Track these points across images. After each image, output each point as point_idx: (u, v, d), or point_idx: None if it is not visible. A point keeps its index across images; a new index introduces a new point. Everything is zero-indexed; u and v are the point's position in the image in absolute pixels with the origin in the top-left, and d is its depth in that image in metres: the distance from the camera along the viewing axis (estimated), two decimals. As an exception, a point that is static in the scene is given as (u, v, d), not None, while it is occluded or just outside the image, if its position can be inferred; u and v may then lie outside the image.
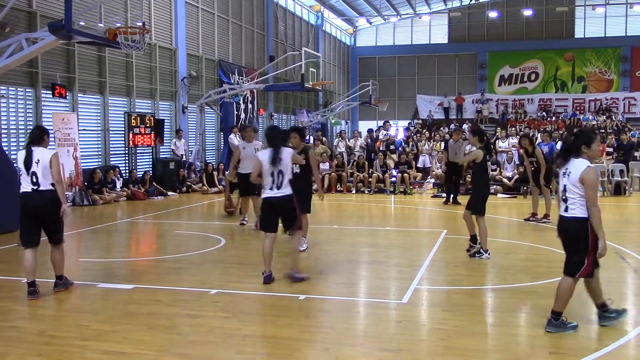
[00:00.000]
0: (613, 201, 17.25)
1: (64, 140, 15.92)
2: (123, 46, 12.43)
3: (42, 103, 16.24)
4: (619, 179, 18.52)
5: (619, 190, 18.43)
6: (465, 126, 24.05)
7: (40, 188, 6.99)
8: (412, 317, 6.36)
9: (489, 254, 8.92)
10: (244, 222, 12.36)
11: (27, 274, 7.04)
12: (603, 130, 29.68)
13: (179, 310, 6.55)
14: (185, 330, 5.99)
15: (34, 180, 6.99)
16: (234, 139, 21.46)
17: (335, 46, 41.63)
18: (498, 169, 19.57)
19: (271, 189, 7.48)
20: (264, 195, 7.58)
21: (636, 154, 20.34)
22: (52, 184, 7.04)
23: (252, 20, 28.65)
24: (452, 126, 32.28)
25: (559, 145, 19.11)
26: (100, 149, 18.67)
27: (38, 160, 7.01)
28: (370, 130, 24.73)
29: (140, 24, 14.65)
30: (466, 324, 6.05)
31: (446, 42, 43.11)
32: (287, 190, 7.48)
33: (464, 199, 15.22)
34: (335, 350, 5.29)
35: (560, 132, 24.34)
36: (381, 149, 21.96)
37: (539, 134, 25.08)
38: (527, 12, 38.68)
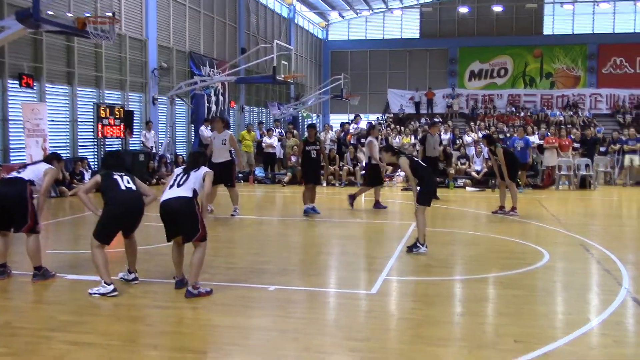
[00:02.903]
0: (578, 195, 17.58)
1: (33, 131, 15.65)
2: (92, 36, 12.27)
3: (9, 93, 15.95)
4: (585, 173, 18.88)
5: (584, 184, 18.80)
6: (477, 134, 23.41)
7: (16, 176, 7.22)
8: (381, 308, 6.43)
9: (426, 248, 8.90)
10: (209, 209, 12.35)
11: None
12: (570, 126, 30.21)
13: (148, 301, 6.52)
14: (155, 321, 5.98)
15: (18, 170, 7.30)
16: (205, 131, 21.39)
17: (307, 39, 41.57)
18: (467, 162, 19.80)
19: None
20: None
21: (601, 149, 20.75)
22: (31, 182, 7.18)
23: (224, 12, 28.45)
24: (423, 120, 32.58)
25: (533, 139, 19.46)
26: (68, 140, 18.39)
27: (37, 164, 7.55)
28: (342, 124, 24.80)
29: (110, 13, 14.48)
30: (434, 313, 6.14)
31: (418, 37, 43.34)
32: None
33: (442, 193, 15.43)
34: (305, 340, 5.33)
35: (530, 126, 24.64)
36: (352, 142, 22.03)
37: (508, 129, 25.47)
38: (497, 8, 39.10)
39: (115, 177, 6.82)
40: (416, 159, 9.27)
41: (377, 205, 13.86)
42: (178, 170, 7.04)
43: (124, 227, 6.83)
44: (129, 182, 6.85)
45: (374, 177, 14.01)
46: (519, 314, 6.11)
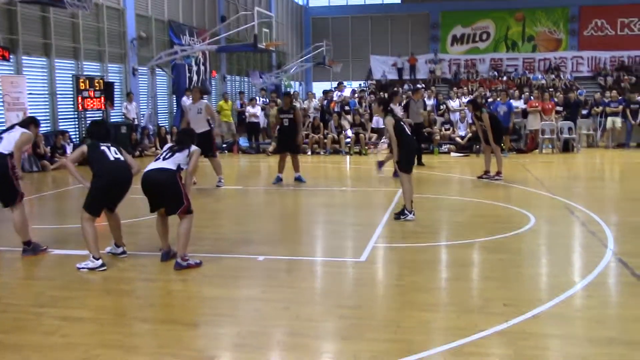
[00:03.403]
0: (562, 158, 17.72)
1: (12, 104, 15.36)
2: (68, 5, 12.00)
3: (-16, 66, 15.62)
4: (567, 136, 19.00)
5: (567, 147, 18.93)
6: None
7: None
8: (370, 275, 6.47)
9: (413, 215, 8.92)
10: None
11: None
12: (552, 89, 30.27)
13: (136, 274, 6.50)
14: (145, 294, 5.97)
15: None
16: (187, 101, 21.12)
17: (288, 6, 41.02)
18: (451, 128, 19.82)
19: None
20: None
21: (583, 111, 20.85)
22: (11, 154, 6.99)
23: (202, -21, 27.94)
24: (406, 86, 32.46)
25: (517, 103, 19.49)
26: (48, 114, 18.11)
27: (11, 130, 7.24)
28: (325, 91, 24.63)
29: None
30: (422, 279, 6.19)
31: (399, 2, 42.95)
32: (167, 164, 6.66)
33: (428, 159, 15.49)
34: (296, 309, 5.35)
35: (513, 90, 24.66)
36: (335, 110, 21.93)
37: (491, 94, 25.45)
38: (479, -29, 38.84)
39: (103, 147, 6.73)
40: (403, 123, 9.15)
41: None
42: (165, 147, 6.99)
43: (112, 199, 6.76)
44: (116, 153, 6.77)
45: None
46: (507, 278, 6.18)
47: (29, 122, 7.56)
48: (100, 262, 6.47)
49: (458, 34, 41.99)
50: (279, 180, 12.71)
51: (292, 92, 22.18)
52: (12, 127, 7.42)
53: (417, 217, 8.92)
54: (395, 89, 26.06)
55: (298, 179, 12.67)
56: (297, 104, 22.55)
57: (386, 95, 19.22)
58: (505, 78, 35.80)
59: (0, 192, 7.08)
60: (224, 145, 20.67)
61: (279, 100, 23.54)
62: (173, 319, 5.22)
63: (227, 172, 13.48)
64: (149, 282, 6.28)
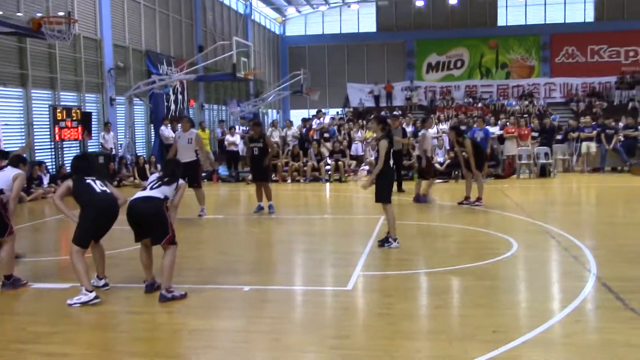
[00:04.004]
0: (539, 183, 17.93)
1: (-15, 135, 15.17)
2: (48, 37, 11.96)
3: (-40, 97, 15.43)
4: (544, 161, 19.26)
5: (544, 172, 19.17)
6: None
7: None
8: (356, 304, 6.44)
9: (398, 243, 8.90)
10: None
11: None
12: (527, 115, 30.77)
13: (120, 307, 6.38)
14: (130, 328, 5.85)
15: None
16: (165, 130, 21.11)
17: (265, 35, 41.34)
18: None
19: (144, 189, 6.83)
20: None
21: (558, 137, 21.20)
22: (0, 190, 7.11)
23: (180, 10, 28.05)
24: (383, 113, 32.71)
25: (494, 129, 19.74)
26: (24, 145, 17.85)
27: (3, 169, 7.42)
28: (304, 119, 24.75)
29: (62, 13, 14.10)
30: (411, 307, 6.17)
31: (374, 30, 43.54)
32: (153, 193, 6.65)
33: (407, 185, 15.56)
34: (285, 340, 5.29)
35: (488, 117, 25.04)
36: (315, 137, 22.01)
37: (467, 120, 25.76)
38: (453, 1, 39.52)
39: (88, 180, 6.67)
40: (391, 152, 9.06)
41: (418, 198, 13.77)
42: (153, 177, 6.95)
43: (101, 230, 6.68)
44: (102, 185, 6.71)
45: (427, 170, 14.05)
46: (494, 305, 6.19)
47: (18, 162, 7.65)
48: (93, 294, 6.33)
49: (433, 62, 42.61)
50: (260, 209, 12.65)
51: (272, 121, 22.26)
52: (2, 168, 7.54)
53: (401, 244, 8.92)
54: (372, 115, 26.22)
55: (269, 209, 12.58)
56: (277, 132, 22.67)
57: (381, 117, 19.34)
58: (480, 104, 36.35)
59: None
60: (204, 174, 20.56)
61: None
62: (159, 352, 5.13)
63: (208, 201, 13.36)
64: (133, 315, 6.17)
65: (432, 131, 21.48)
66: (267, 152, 12.66)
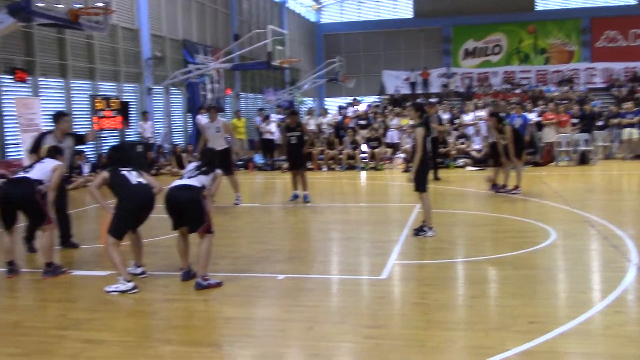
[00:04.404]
0: (578, 170, 17.56)
1: (27, 125, 15.51)
2: (86, 27, 12.14)
3: (2, 88, 15.79)
4: (584, 148, 18.85)
5: (584, 159, 18.76)
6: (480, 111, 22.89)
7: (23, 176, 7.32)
8: (391, 293, 6.42)
9: (433, 231, 8.84)
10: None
11: (6, 253, 7.30)
12: (567, 101, 30.12)
13: (158, 295, 6.49)
14: (166, 316, 5.94)
15: (25, 169, 7.45)
16: (202, 119, 21.26)
17: (300, 23, 41.26)
18: (466, 142, 19.74)
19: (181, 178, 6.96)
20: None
21: (599, 123, 20.71)
22: (39, 181, 7.23)
23: (216, -1, 28.19)
24: (419, 100, 32.41)
25: (531, 116, 19.38)
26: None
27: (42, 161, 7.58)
28: (340, 107, 24.69)
29: (101, 4, 14.29)
30: (446, 297, 6.12)
31: (411, 17, 43.06)
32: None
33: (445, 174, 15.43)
34: (320, 328, 5.31)
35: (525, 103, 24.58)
36: (350, 125, 21.94)
37: (505, 106, 25.33)
38: (490, -15, 38.83)
39: (124, 172, 6.78)
40: (427, 140, 8.88)
41: (496, 187, 13.29)
42: (190, 166, 7.04)
43: (137, 221, 6.79)
44: (138, 177, 6.81)
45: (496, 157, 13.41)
46: (531, 295, 6.10)
47: (55, 153, 7.80)
48: (132, 284, 6.45)
49: (470, 48, 41.98)
50: (295, 197, 12.69)
51: (308, 109, 22.27)
52: (42, 159, 7.69)
53: (436, 233, 8.85)
54: (409, 103, 26.02)
55: (304, 198, 12.59)
56: (313, 120, 22.66)
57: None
58: (518, 91, 35.68)
59: (29, 215, 7.35)
60: (240, 162, 20.72)
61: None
62: (196, 340, 5.19)
63: (244, 190, 13.48)
64: (170, 303, 6.26)
65: (469, 118, 21.28)
66: (304, 140, 12.69)
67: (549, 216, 10.31)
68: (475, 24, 41.48)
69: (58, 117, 8.67)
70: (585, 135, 19.10)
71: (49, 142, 8.26)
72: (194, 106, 23.27)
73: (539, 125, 19.57)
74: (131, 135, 20.76)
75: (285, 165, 19.17)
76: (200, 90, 24.31)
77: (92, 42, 19.08)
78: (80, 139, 9.33)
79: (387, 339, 5.04)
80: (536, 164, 18.61)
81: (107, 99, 18.82)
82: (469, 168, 18.54)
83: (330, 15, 44.86)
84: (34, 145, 8.38)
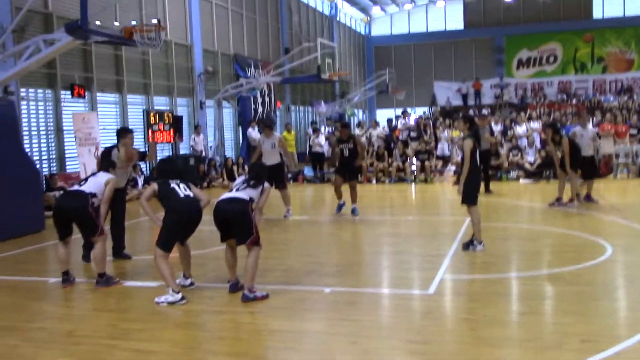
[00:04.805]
0: (637, 183, 16.99)
1: (84, 139, 16.01)
2: (139, 44, 12.45)
3: (62, 104, 16.36)
4: (644, 160, 18.22)
5: (643, 171, 18.14)
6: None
7: (78, 189, 7.56)
8: (439, 308, 6.31)
9: (483, 245, 8.67)
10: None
11: (61, 263, 7.54)
12: (625, 111, 29.21)
13: (205, 307, 6.55)
14: (213, 327, 6.00)
15: (80, 183, 7.72)
16: (253, 132, 21.55)
17: (350, 36, 41.41)
18: (520, 154, 19.35)
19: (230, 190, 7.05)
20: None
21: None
22: (93, 194, 7.46)
23: (266, 13, 28.57)
24: (471, 112, 31.98)
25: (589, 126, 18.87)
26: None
27: (96, 175, 7.88)
28: (389, 120, 24.61)
29: (155, 21, 14.66)
30: (494, 312, 5.98)
31: (462, 28, 42.67)
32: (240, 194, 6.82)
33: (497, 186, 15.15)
34: (364, 343, 5.26)
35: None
36: (400, 138, 21.82)
37: (562, 117, 24.74)
38: (544, -6, 38.17)
39: (172, 185, 6.92)
40: (477, 152, 8.74)
41: (588, 198, 13.08)
42: (239, 179, 7.14)
43: (185, 234, 6.91)
44: (186, 189, 6.93)
45: (590, 169, 13.18)
46: (584, 312, 5.90)
47: (109, 166, 8.09)
48: (180, 295, 6.55)
49: (524, 58, 41.29)
50: (341, 208, 12.64)
51: (358, 121, 22.19)
52: (96, 173, 7.98)
53: (486, 247, 8.68)
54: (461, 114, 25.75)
55: (352, 211, 12.53)
56: (363, 132, 22.63)
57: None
58: (575, 101, 34.82)
59: (82, 226, 7.52)
60: (289, 175, 20.84)
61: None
62: (242, 352, 5.22)
63: (293, 202, 13.54)
64: (217, 315, 6.32)
65: (522, 129, 20.86)
66: (357, 152, 12.65)
67: (605, 230, 10.00)
68: (529, 33, 40.80)
69: (122, 132, 8.91)
70: (645, 147, 18.45)
71: (113, 157, 8.51)
72: (244, 119, 23.59)
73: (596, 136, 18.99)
74: (184, 149, 21.17)
75: (334, 178, 19.26)
76: (251, 104, 24.63)
77: (146, 58, 19.60)
78: (142, 156, 9.60)
79: (433, 355, 4.96)
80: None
81: (160, 113, 19.26)
82: (522, 181, 18.16)
83: (381, 28, 44.89)
84: (102, 162, 8.51)
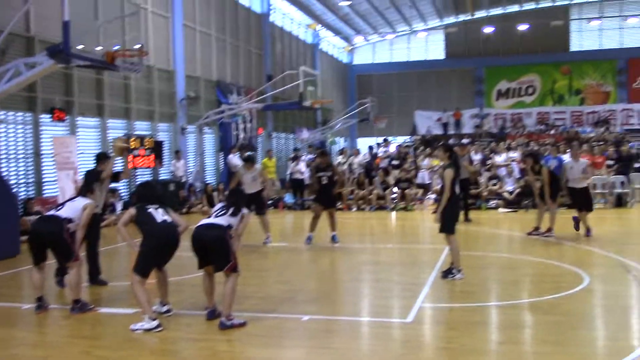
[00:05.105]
0: (614, 213, 17.19)
1: (63, 164, 15.84)
2: (121, 69, 12.44)
3: (41, 127, 16.23)
4: (620, 190, 18.47)
5: (620, 201, 18.37)
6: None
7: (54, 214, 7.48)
8: (417, 337, 6.29)
9: (462, 274, 8.69)
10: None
11: (35, 289, 7.40)
12: (602, 143, 29.68)
13: (182, 334, 6.47)
14: (190, 355, 5.92)
15: (57, 207, 7.64)
16: (234, 158, 21.52)
17: (333, 64, 41.76)
18: (498, 183, 19.52)
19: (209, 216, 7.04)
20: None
21: (636, 165, 20.32)
22: (69, 219, 7.37)
23: (250, 40, 28.74)
24: (451, 141, 32.30)
25: (565, 157, 19.13)
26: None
27: (74, 199, 7.77)
28: (370, 147, 24.75)
29: (138, 46, 14.67)
30: (473, 342, 5.97)
31: (443, 57, 43.26)
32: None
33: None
34: (342, 372, 5.21)
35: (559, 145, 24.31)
36: (381, 165, 21.92)
37: (539, 148, 25.10)
38: (523, 27, 38.86)
39: (150, 210, 6.85)
40: (456, 181, 8.85)
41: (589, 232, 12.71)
42: (218, 206, 7.10)
43: (162, 259, 6.84)
44: (164, 214, 6.87)
45: (583, 201, 12.90)
46: (562, 342, 5.91)
47: (87, 191, 8.04)
48: (156, 322, 6.45)
49: (503, 89, 41.89)
50: (310, 239, 12.52)
51: (342, 149, 22.26)
52: (73, 198, 7.92)
53: (465, 275, 8.70)
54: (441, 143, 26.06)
55: (332, 239, 12.51)
56: (345, 160, 22.72)
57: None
58: (553, 132, 35.34)
59: (57, 252, 7.39)
60: (270, 202, 20.79)
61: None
62: (217, 381, 5.14)
63: (273, 229, 13.48)
64: (194, 342, 6.24)
65: (501, 159, 21.10)
66: (335, 180, 12.66)
67: (583, 260, 10.07)
68: (508, 65, 41.47)
69: (102, 158, 8.89)
70: (621, 178, 18.74)
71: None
72: (226, 145, 23.56)
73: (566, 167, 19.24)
74: (164, 174, 21.05)
75: (313, 205, 19.25)
76: (233, 130, 24.62)
77: (128, 83, 19.56)
78: (115, 177, 9.54)
79: (411, 385, 4.92)
80: (571, 206, 18.23)
81: (141, 137, 19.17)
82: (501, 210, 18.28)
83: (363, 57, 45.36)
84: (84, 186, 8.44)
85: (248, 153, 15.14)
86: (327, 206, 12.57)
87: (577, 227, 12.84)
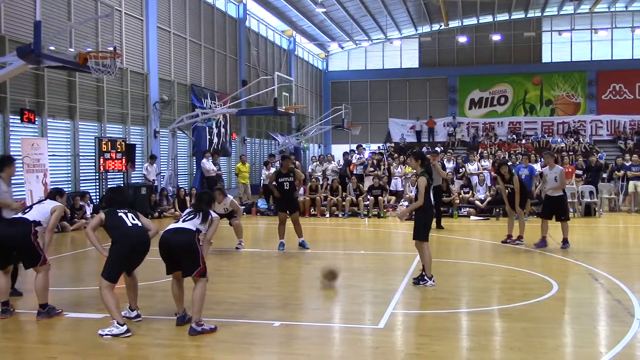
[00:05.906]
0: (583, 222, 17.45)
1: (33, 166, 15.61)
2: (94, 71, 12.29)
3: (10, 129, 15.95)
4: (589, 200, 18.77)
5: (589, 211, 18.67)
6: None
7: (21, 217, 7.36)
8: (388, 343, 6.30)
9: (433, 281, 8.75)
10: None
11: (0, 293, 7.24)
12: (572, 153, 30.19)
13: (151, 340, 6.38)
14: (158, 361, 5.84)
15: (24, 210, 7.50)
16: (207, 163, 21.40)
17: (308, 70, 41.83)
18: (470, 191, 19.70)
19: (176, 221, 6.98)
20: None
21: (604, 175, 20.69)
22: (36, 222, 7.25)
23: (225, 45, 28.65)
24: (424, 149, 32.55)
25: (537, 166, 19.39)
26: (70, 175, 18.36)
27: (42, 202, 7.64)
28: (345, 154, 24.80)
29: (111, 48, 14.53)
30: (443, 348, 6.00)
31: (417, 66, 43.62)
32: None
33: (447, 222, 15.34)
34: (312, 378, 5.19)
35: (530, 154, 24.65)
36: (355, 172, 21.97)
37: (510, 157, 25.41)
38: (496, 37, 39.38)
39: (120, 214, 6.76)
40: (430, 189, 8.90)
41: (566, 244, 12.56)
42: (187, 210, 7.02)
43: (131, 264, 6.74)
44: (134, 219, 6.78)
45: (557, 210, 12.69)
46: (530, 348, 5.97)
47: (56, 194, 7.86)
48: (125, 327, 6.36)
49: (476, 98, 42.39)
50: (283, 245, 12.50)
51: (320, 155, 22.18)
52: (42, 200, 7.81)
53: (436, 282, 8.74)
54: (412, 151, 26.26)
55: (301, 245, 12.49)
56: (320, 167, 22.71)
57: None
58: (524, 141, 35.86)
59: (23, 255, 7.26)
60: (242, 207, 20.69)
61: (297, 162, 23.69)
62: (186, 387, 5.08)
63: (245, 234, 13.43)
64: (163, 348, 6.16)
65: (473, 167, 21.29)
66: (296, 185, 12.62)
67: (552, 268, 10.20)
68: (481, 75, 42.00)
69: (5, 161, 8.60)
70: (590, 187, 19.05)
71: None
72: (199, 150, 23.41)
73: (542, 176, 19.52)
74: (136, 178, 20.83)
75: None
76: (207, 134, 24.48)
77: (101, 85, 19.35)
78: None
79: (381, 391, 4.92)
80: (540, 215, 18.46)
81: (113, 141, 18.97)
82: (473, 217, 18.46)
83: (338, 64, 45.51)
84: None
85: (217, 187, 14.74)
86: (290, 212, 12.48)
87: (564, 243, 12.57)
